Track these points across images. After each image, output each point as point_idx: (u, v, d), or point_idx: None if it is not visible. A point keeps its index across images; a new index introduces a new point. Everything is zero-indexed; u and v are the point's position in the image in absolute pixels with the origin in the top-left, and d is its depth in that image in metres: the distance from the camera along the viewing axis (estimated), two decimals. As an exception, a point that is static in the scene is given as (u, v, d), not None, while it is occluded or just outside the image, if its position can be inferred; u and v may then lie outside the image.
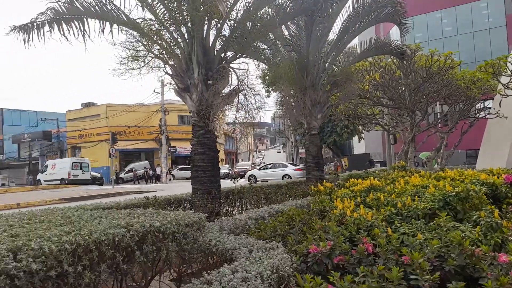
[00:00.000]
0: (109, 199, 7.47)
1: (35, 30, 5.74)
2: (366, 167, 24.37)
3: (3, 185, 39.08)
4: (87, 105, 41.27)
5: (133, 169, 35.87)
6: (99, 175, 35.50)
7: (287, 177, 23.81)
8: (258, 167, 30.40)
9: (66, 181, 32.17)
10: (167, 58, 6.83)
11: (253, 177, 26.50)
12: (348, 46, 12.17)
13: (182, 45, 6.63)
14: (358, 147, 43.33)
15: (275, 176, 24.63)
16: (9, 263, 2.30)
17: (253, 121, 7.34)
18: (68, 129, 41.55)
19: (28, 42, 5.76)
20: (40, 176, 35.99)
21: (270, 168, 27.46)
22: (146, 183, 33.11)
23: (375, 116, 17.10)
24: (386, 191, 5.62)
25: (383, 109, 16.79)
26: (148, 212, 3.97)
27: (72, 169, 33.04)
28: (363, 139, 33.20)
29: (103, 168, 37.21)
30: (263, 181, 18.35)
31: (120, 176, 35.32)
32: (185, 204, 7.18)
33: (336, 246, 3.40)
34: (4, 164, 47.66)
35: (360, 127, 24.42)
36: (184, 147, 39.33)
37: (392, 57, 12.76)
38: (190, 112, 7.05)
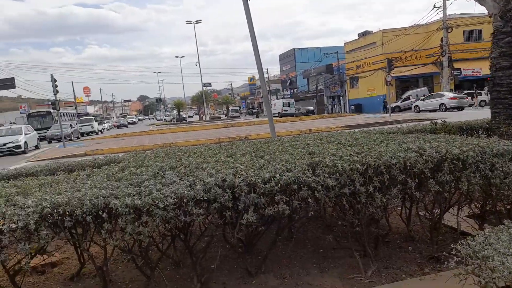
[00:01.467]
0: (388, 126, 7.30)
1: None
2: None
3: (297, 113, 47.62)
4: (363, 34, 41.90)
5: (419, 96, 34.40)
6: (311, 108, 50.50)
7: (443, 106, 27.83)
8: (422, 98, 31.77)
9: (280, 115, 45.83)
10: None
11: (417, 107, 30.22)
12: None
13: None
14: None
15: (433, 106, 28.72)
16: (310, 177, 2.49)
17: None
18: (346, 61, 43.95)
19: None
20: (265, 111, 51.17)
21: (430, 98, 30.04)
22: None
23: None
24: None
25: None
26: (440, 137, 3.47)
27: (283, 106, 48.64)
28: None
29: (379, 96, 37.63)
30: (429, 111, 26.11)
31: (397, 104, 34.74)
32: (480, 132, 6.00)
33: None
34: (298, 97, 57.06)
35: None
36: (471, 69, 33.67)
37: None
38: (490, 16, 5.54)
